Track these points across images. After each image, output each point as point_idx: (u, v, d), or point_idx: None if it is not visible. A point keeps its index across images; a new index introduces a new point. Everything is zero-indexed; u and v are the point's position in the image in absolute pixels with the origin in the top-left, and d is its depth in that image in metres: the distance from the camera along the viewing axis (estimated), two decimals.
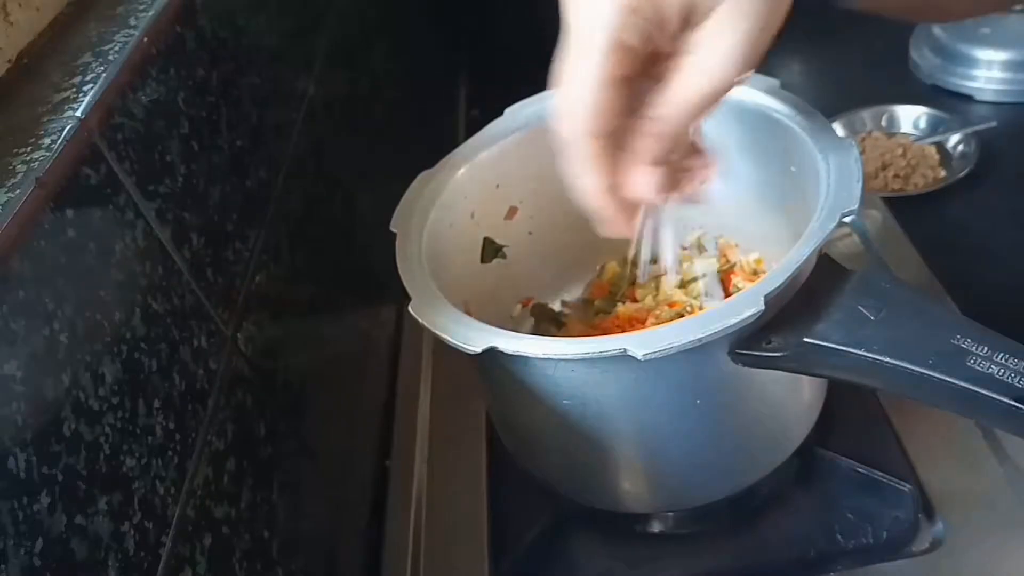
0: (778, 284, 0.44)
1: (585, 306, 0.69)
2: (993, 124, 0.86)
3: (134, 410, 0.38)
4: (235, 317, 0.49)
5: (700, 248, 0.69)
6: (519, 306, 0.68)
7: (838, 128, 0.89)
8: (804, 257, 0.45)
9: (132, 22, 0.46)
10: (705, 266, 0.64)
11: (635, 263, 0.59)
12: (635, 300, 0.66)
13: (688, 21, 0.35)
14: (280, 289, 0.56)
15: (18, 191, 0.34)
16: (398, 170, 0.64)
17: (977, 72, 0.91)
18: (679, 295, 0.64)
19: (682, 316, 0.62)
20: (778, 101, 0.56)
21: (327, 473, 0.59)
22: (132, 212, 0.41)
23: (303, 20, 0.70)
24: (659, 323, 0.62)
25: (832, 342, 0.44)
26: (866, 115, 0.91)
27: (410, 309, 0.50)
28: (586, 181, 0.40)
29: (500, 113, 0.64)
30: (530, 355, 0.46)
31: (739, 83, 0.37)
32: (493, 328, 0.48)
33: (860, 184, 0.47)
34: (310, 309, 0.63)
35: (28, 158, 0.36)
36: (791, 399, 0.55)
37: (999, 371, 0.40)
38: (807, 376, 0.52)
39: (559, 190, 0.65)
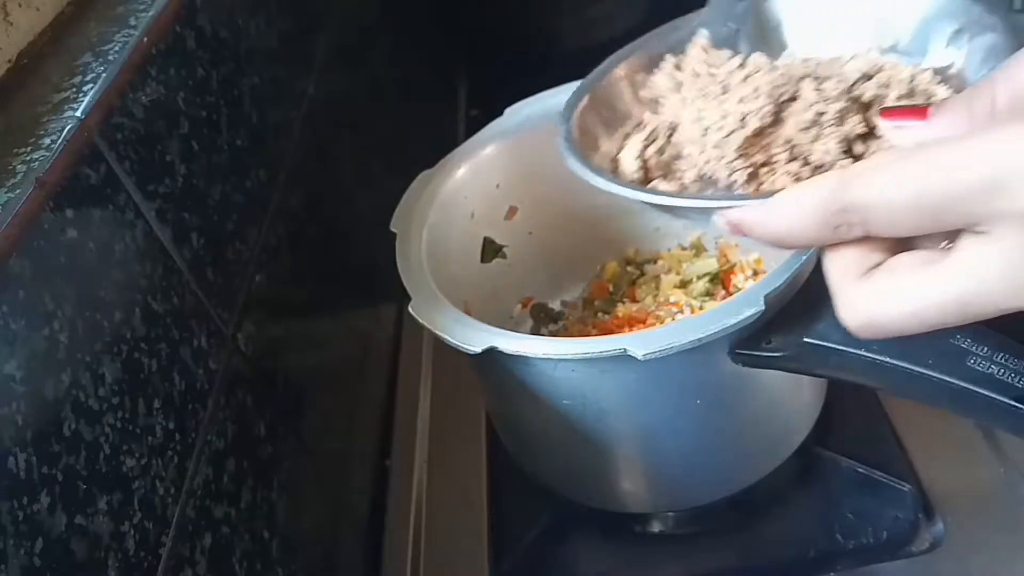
0: (778, 284, 0.44)
1: (585, 306, 0.69)
2: None
3: (134, 410, 0.38)
4: (235, 317, 0.49)
5: (700, 248, 0.69)
6: (519, 306, 0.68)
7: None
8: (804, 257, 0.45)
9: (132, 22, 0.46)
10: None
11: None
12: (635, 300, 0.66)
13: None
14: (280, 289, 0.56)
15: (18, 191, 0.34)
16: (398, 170, 0.64)
17: None
18: (679, 295, 0.64)
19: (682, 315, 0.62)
20: None
21: (327, 473, 0.59)
22: (132, 212, 0.41)
23: (303, 20, 0.70)
24: (659, 323, 0.62)
25: (832, 342, 0.44)
26: None
27: (410, 309, 0.50)
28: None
29: (500, 113, 0.64)
30: (530, 355, 0.46)
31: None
32: (493, 328, 0.48)
33: None
34: (310, 309, 0.63)
35: (28, 158, 0.36)
36: (791, 399, 0.55)
37: (999, 371, 0.40)
38: (807, 376, 0.52)
39: (559, 190, 0.66)
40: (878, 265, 0.29)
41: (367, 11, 0.93)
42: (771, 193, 0.31)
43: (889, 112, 0.32)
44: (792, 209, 0.30)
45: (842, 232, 0.29)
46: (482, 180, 0.62)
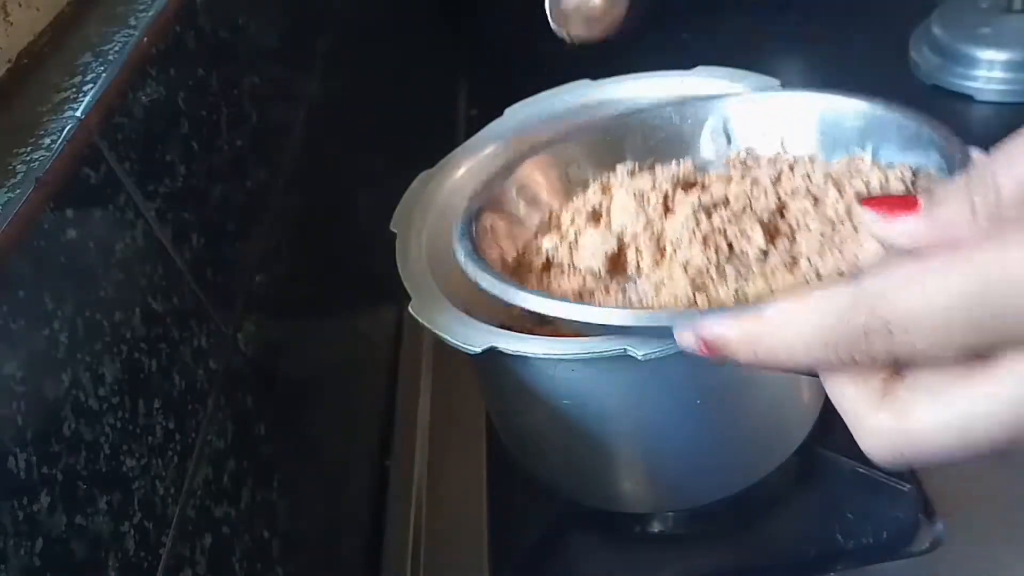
0: None
1: None
2: None
3: (134, 410, 0.38)
4: (235, 317, 0.49)
5: None
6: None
7: None
8: None
9: (132, 22, 0.46)
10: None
11: None
12: None
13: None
14: (280, 289, 0.56)
15: (18, 191, 0.34)
16: (398, 170, 0.64)
17: (978, 72, 0.90)
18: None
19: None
20: None
21: (327, 473, 0.59)
22: (132, 212, 0.41)
23: (303, 20, 0.70)
24: None
25: None
26: None
27: (410, 309, 0.50)
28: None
29: (500, 113, 0.64)
30: (530, 355, 0.46)
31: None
32: (493, 328, 0.48)
33: None
34: (310, 309, 0.63)
35: (28, 158, 0.36)
36: (791, 399, 0.55)
37: None
38: (807, 376, 0.52)
39: None
40: (893, 383, 0.24)
41: (367, 11, 0.93)
42: (754, 302, 0.26)
43: (872, 202, 0.27)
44: (797, 326, 0.24)
45: (860, 359, 0.24)
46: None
